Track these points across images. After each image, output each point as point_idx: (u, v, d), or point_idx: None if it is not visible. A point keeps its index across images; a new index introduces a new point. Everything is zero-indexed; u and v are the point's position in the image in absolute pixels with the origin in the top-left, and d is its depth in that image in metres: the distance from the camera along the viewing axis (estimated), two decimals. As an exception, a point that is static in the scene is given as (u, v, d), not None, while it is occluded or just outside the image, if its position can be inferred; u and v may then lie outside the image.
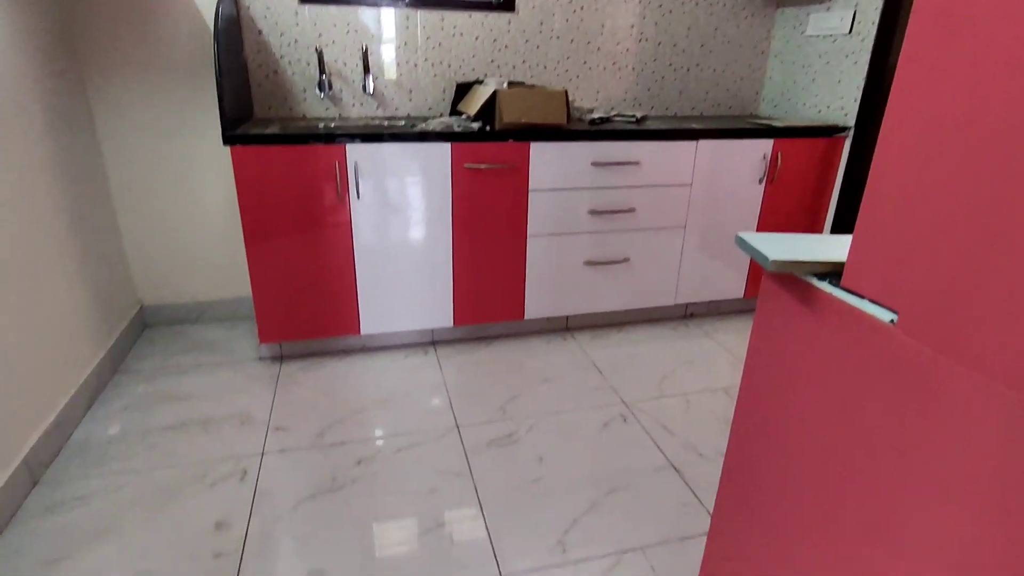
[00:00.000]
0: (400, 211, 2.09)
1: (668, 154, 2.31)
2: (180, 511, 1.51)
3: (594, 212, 2.30)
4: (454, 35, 2.47)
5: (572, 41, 2.62)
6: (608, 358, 2.32)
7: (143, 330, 2.44)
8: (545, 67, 2.63)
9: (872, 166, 0.68)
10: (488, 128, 2.10)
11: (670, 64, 2.78)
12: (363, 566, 1.36)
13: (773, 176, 2.48)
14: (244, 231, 1.98)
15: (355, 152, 1.98)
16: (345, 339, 2.28)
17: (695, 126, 2.42)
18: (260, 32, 2.28)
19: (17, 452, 1.53)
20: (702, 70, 2.84)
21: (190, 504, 1.53)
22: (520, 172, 2.16)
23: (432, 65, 2.49)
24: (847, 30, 2.46)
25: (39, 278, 1.72)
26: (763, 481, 0.91)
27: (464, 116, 2.23)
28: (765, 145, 2.42)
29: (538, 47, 2.59)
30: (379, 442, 1.79)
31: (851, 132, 2.48)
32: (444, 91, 2.54)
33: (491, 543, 1.43)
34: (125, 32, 2.11)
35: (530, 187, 2.19)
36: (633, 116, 2.51)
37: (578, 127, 2.25)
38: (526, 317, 2.38)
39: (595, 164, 2.23)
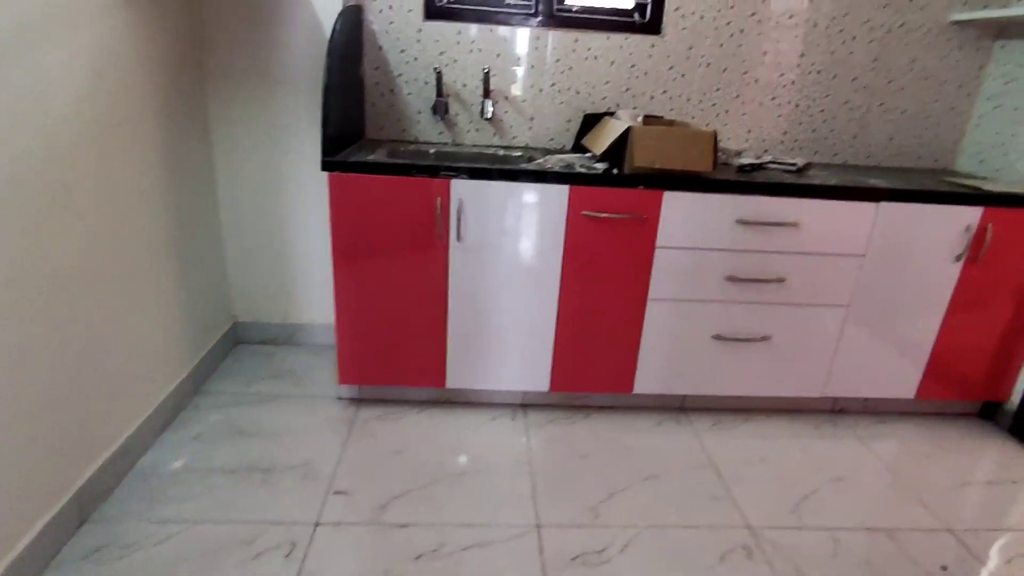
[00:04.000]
0: (503, 257, 1.83)
1: (837, 216, 1.85)
2: (216, 586, 1.34)
3: (732, 279, 1.89)
4: (587, 58, 2.19)
5: (725, 70, 2.23)
6: (731, 456, 1.90)
7: (234, 346, 2.38)
8: (688, 99, 2.26)
9: None
10: (615, 171, 1.79)
11: (845, 102, 2.30)
12: None
13: (977, 254, 1.93)
14: (333, 262, 1.81)
15: (460, 189, 1.75)
16: (428, 389, 2.05)
17: (875, 182, 1.94)
18: (381, 48, 2.13)
19: (70, 485, 1.43)
20: (886, 110, 2.32)
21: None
22: (648, 224, 1.82)
23: (559, 91, 2.22)
24: (1107, 72, 1.86)
25: (136, 291, 1.65)
26: None
27: (589, 155, 1.92)
28: (971, 214, 1.88)
29: (683, 75, 2.23)
30: (446, 532, 1.52)
31: (1099, 206, 1.87)
32: (569, 121, 2.26)
33: None
34: (245, 41, 2.04)
35: (657, 243, 1.84)
36: (793, 164, 2.07)
37: (723, 175, 1.87)
38: (635, 391, 2.03)
39: (740, 222, 1.83)
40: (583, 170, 1.77)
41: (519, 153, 2.15)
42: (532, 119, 2.25)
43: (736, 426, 2.06)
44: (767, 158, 2.15)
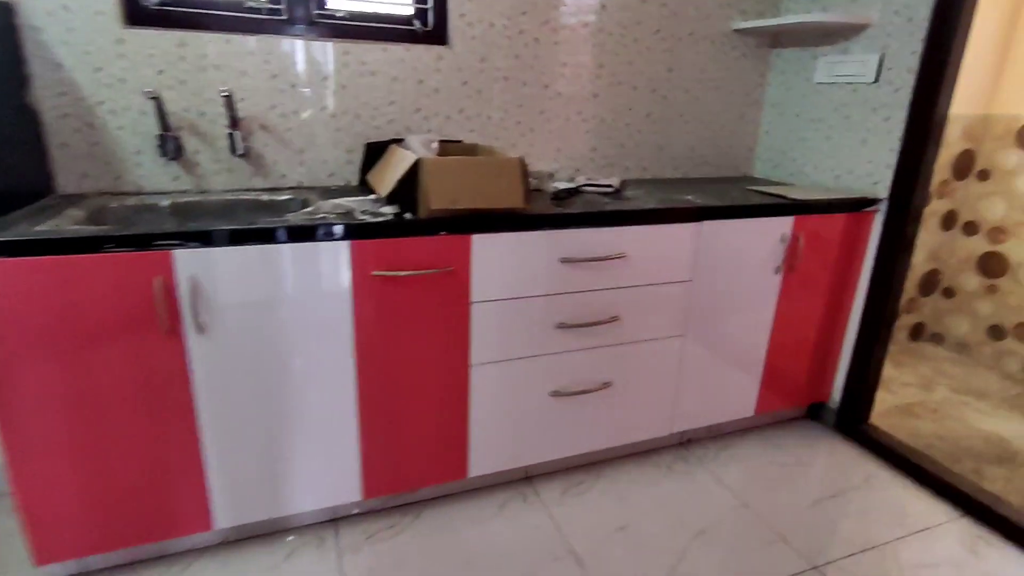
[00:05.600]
0: (270, 347, 1.35)
1: (662, 241, 1.67)
2: None
3: (564, 326, 1.62)
4: (363, 74, 1.78)
5: (525, 84, 1.98)
6: (588, 531, 1.62)
7: None
8: (489, 117, 1.97)
9: None
10: (408, 216, 1.40)
11: (648, 114, 2.19)
12: None
13: (793, 263, 1.89)
14: (-1, 392, 1.18)
15: (189, 262, 1.23)
16: (194, 536, 1.48)
17: (690, 198, 1.81)
18: (60, 66, 1.51)
19: None
20: (686, 121, 2.26)
21: None
22: (457, 277, 1.47)
23: (332, 116, 1.79)
24: (872, 78, 1.93)
25: None
26: None
27: (373, 197, 1.52)
28: (783, 224, 1.83)
29: (479, 91, 1.93)
30: None
31: (884, 205, 1.93)
32: (350, 151, 1.83)
33: None
34: None
35: (473, 297, 1.50)
36: (609, 186, 1.87)
37: (538, 206, 1.59)
38: (470, 474, 1.67)
39: (565, 261, 1.56)
40: (366, 218, 1.36)
41: (287, 196, 1.67)
42: (303, 152, 1.79)
43: (588, 488, 1.80)
44: (581, 179, 1.94)
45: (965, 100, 2.53)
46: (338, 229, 1.32)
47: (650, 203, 1.71)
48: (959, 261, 2.84)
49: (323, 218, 1.35)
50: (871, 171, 1.96)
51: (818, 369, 2.11)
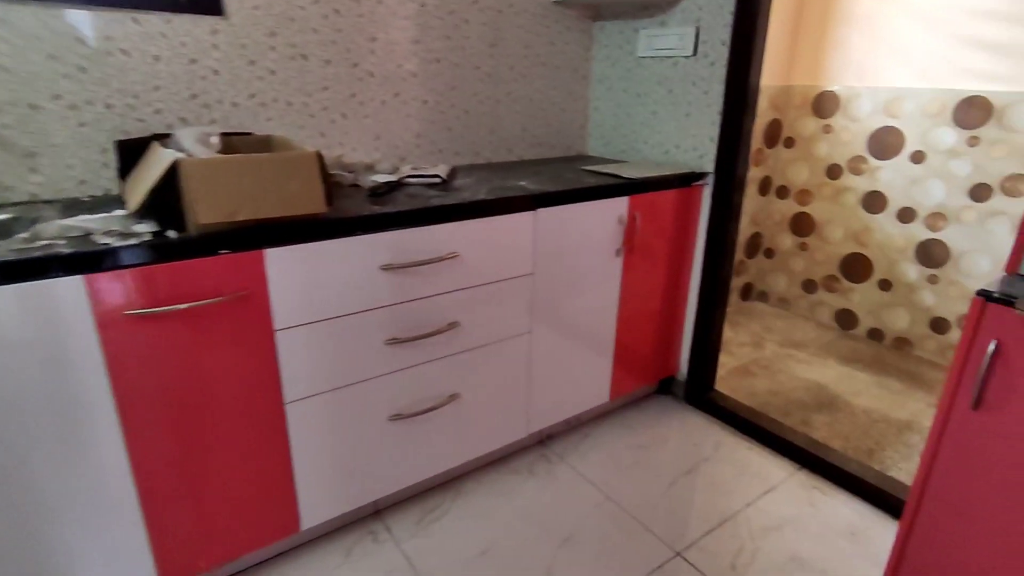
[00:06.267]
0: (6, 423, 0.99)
1: (497, 234, 1.53)
2: None
3: (396, 341, 1.42)
4: (111, 53, 1.40)
5: (329, 62, 1.71)
6: (448, 567, 1.46)
7: None
8: (289, 103, 1.68)
9: None
10: (172, 234, 1.10)
11: (475, 93, 2.02)
12: None
13: (632, 244, 1.85)
14: None
15: None
16: None
17: (524, 184, 1.68)
18: None
19: None
20: (514, 100, 2.13)
21: None
22: (253, 302, 1.20)
23: (72, 107, 1.39)
24: (690, 51, 1.92)
25: None
26: None
27: (124, 213, 1.18)
28: (619, 205, 1.77)
29: (272, 72, 1.63)
30: None
31: (711, 179, 1.95)
32: (104, 152, 1.45)
33: None
34: None
35: (276, 324, 1.24)
36: (437, 176, 1.68)
37: (351, 207, 1.36)
38: (304, 526, 1.42)
39: (387, 268, 1.35)
40: (110, 241, 1.04)
41: (11, 215, 1.27)
42: (33, 155, 1.37)
43: (446, 511, 1.64)
44: (406, 170, 1.73)
45: (768, 72, 2.68)
46: (64, 260, 0.99)
47: (480, 193, 1.55)
48: (775, 223, 3.06)
49: (47, 246, 1.01)
50: (696, 144, 1.97)
51: (666, 344, 2.12)
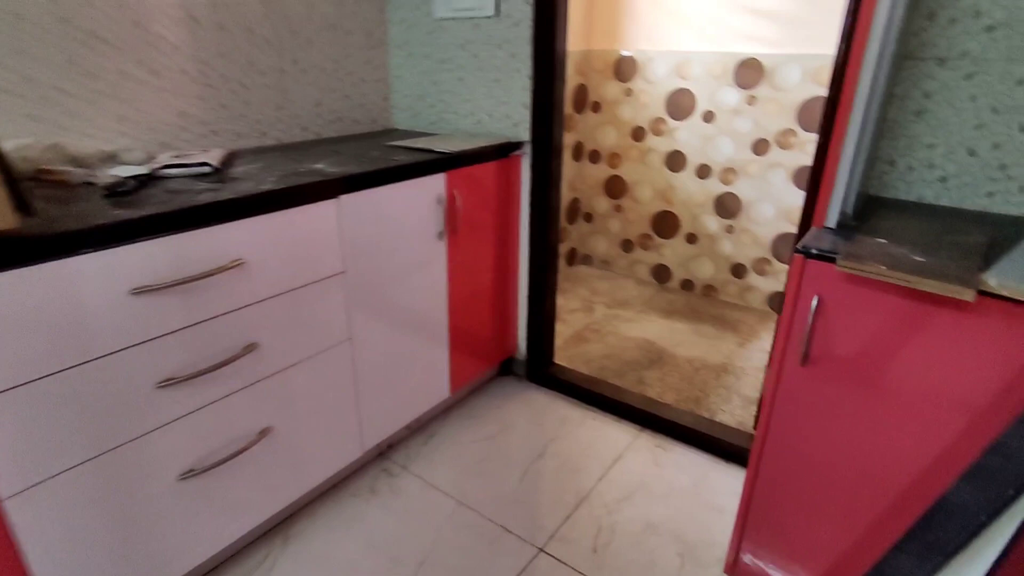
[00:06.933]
0: None
1: (293, 230, 1.26)
2: None
3: (172, 382, 1.11)
4: None
5: (21, 17, 1.27)
6: (282, 631, 1.22)
7: None
8: (-29, 76, 1.22)
9: None
10: None
11: (251, 63, 1.68)
12: None
13: (455, 224, 1.69)
14: None
15: None
16: None
17: (321, 166, 1.43)
18: None
19: None
20: (302, 71, 1.82)
21: None
22: (-81, 369, 0.82)
23: None
24: (491, 11, 1.79)
25: None
26: None
27: None
28: (435, 183, 1.59)
29: (-69, 33, 1.16)
30: None
31: (528, 147, 1.86)
32: None
33: None
34: None
35: (-30, 393, 0.87)
36: (205, 164, 1.35)
37: (78, 210, 1.00)
38: (71, 643, 1.07)
39: (140, 291, 1.03)
40: None
41: None
42: None
43: (273, 564, 1.37)
44: (165, 158, 1.36)
45: (570, 37, 2.66)
46: None
47: (266, 183, 1.26)
48: (590, 187, 3.12)
49: None
50: (509, 112, 1.86)
51: (503, 323, 2.03)
